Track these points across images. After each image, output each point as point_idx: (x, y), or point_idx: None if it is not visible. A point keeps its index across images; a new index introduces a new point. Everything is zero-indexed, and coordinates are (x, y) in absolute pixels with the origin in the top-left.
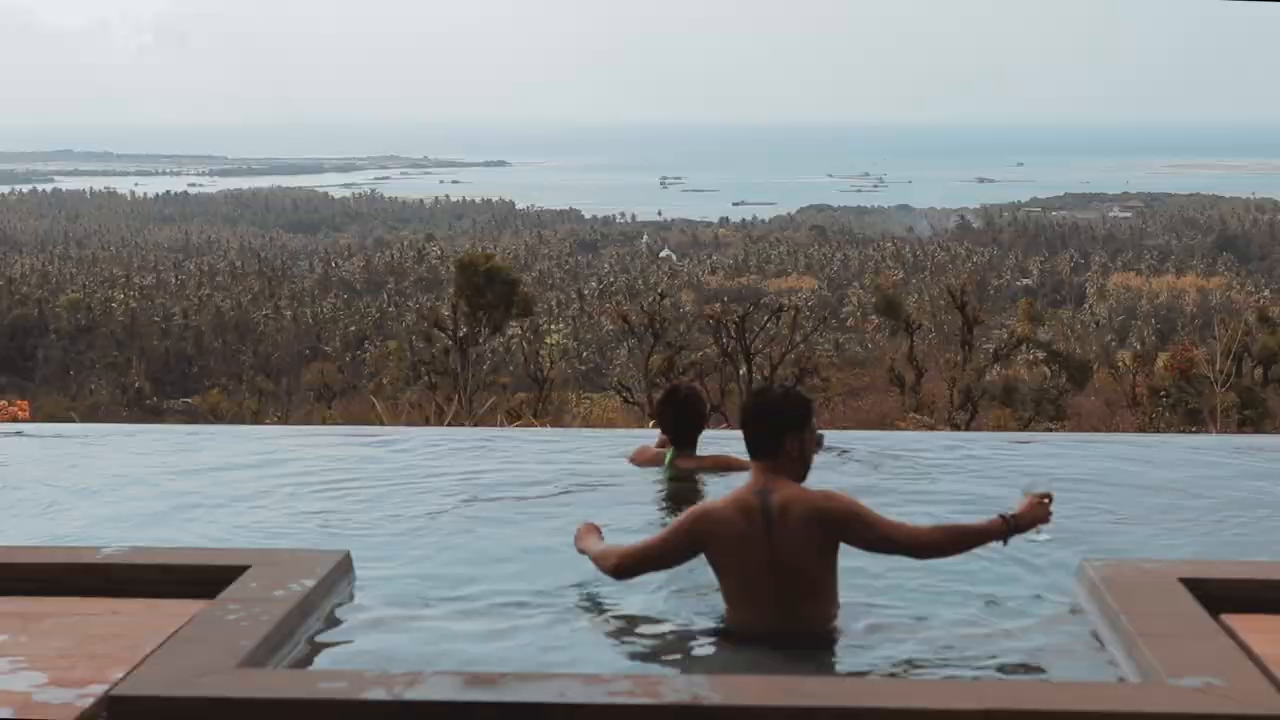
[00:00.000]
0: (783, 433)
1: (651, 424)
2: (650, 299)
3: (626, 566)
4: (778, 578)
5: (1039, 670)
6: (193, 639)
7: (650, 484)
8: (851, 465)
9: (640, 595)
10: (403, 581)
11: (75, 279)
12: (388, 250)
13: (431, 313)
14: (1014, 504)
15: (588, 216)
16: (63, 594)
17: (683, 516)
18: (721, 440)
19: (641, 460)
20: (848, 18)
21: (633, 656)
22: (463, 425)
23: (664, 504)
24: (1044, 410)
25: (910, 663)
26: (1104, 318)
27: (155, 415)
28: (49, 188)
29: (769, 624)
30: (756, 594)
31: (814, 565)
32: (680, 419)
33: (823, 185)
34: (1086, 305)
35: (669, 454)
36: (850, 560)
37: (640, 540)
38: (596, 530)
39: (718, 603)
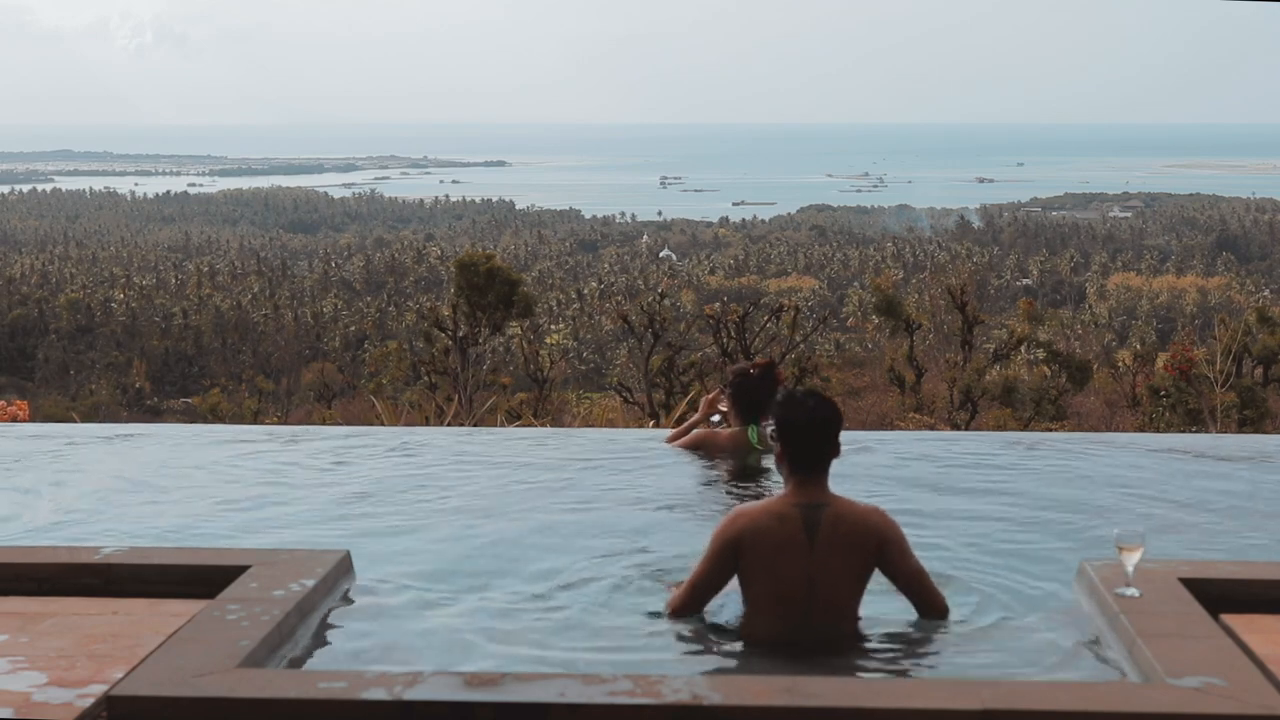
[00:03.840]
0: (838, 439)
1: (668, 416)
2: (650, 299)
3: (679, 609)
4: (810, 594)
5: (1038, 670)
6: (192, 639)
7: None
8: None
9: (640, 596)
10: (402, 582)
11: (75, 279)
12: (387, 250)
13: (431, 313)
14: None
15: (588, 216)
16: (62, 594)
17: (717, 530)
18: None
19: (719, 447)
20: (848, 18)
21: (633, 656)
22: (463, 425)
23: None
24: (1044, 410)
25: (910, 662)
26: (1104, 317)
27: (155, 415)
28: (49, 187)
29: (789, 636)
30: (786, 607)
31: (848, 587)
32: (767, 394)
33: (823, 185)
34: (1086, 305)
35: (752, 432)
36: None
37: (685, 581)
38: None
39: (716, 600)
